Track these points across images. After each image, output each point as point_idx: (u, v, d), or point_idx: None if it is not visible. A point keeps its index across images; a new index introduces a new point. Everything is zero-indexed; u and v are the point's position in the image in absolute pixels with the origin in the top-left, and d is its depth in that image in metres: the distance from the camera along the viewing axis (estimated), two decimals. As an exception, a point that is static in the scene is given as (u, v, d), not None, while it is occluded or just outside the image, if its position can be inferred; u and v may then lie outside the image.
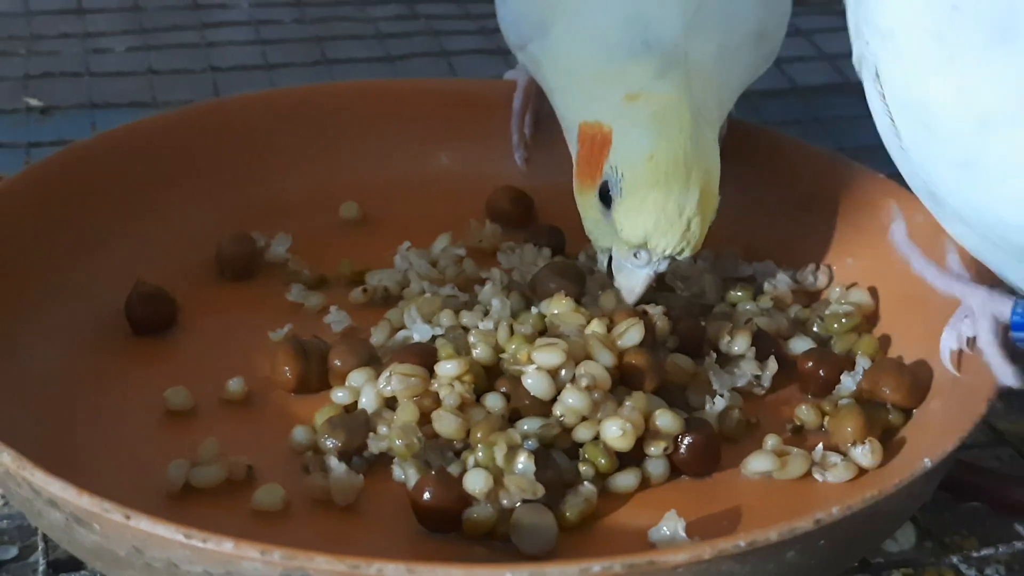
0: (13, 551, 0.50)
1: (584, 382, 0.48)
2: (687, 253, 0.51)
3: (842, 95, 0.83)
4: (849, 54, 0.86)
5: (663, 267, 0.52)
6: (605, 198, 0.52)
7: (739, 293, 0.57)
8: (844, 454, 0.49)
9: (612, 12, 0.54)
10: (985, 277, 0.50)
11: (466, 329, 0.53)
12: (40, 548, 0.47)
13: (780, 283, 0.57)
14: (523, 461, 0.46)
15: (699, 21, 0.53)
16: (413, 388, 0.49)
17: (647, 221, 0.50)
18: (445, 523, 0.45)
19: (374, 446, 0.48)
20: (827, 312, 0.56)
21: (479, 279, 0.58)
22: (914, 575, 0.50)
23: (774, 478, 0.49)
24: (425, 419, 0.48)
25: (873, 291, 0.57)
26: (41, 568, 0.46)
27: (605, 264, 0.54)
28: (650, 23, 0.53)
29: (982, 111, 0.41)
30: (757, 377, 0.53)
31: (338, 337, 0.54)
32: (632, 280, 0.52)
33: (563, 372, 0.48)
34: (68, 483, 0.40)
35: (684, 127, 0.51)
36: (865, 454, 0.48)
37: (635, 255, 0.52)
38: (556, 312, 0.52)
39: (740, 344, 0.53)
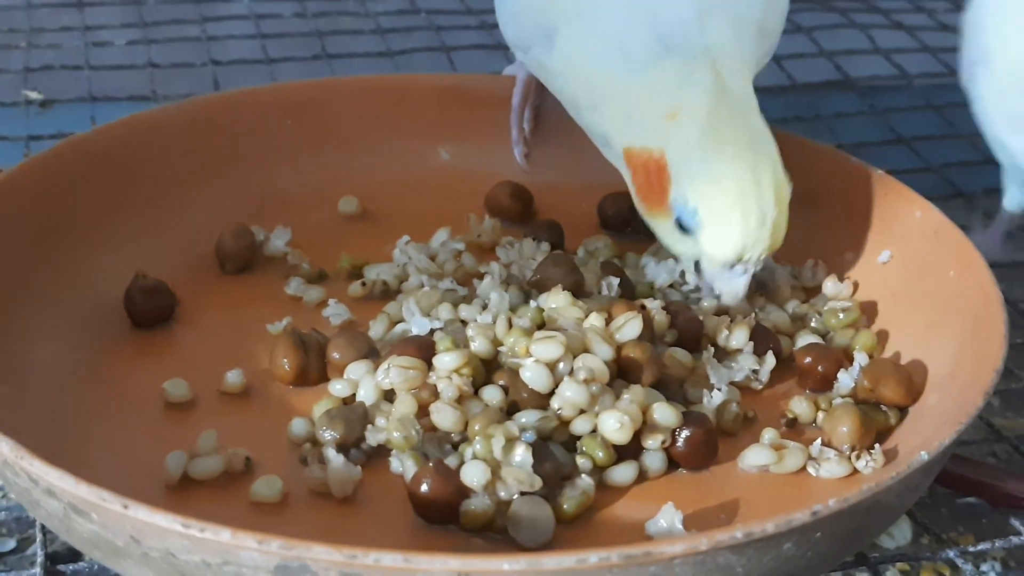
0: (11, 543, 0.50)
1: (582, 375, 0.48)
2: (778, 246, 0.51)
3: (842, 92, 0.83)
4: (848, 51, 0.87)
5: (758, 268, 0.52)
6: (683, 227, 0.51)
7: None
8: (839, 451, 0.49)
9: (618, 11, 0.53)
10: None
11: (464, 323, 0.53)
12: (38, 540, 0.47)
13: (779, 278, 0.57)
14: (521, 453, 0.46)
15: (707, 9, 0.53)
16: (411, 381, 0.49)
17: (735, 243, 0.50)
18: (443, 515, 0.45)
19: (372, 438, 0.48)
20: (825, 307, 0.56)
21: (478, 273, 0.58)
22: (911, 570, 0.50)
23: (771, 472, 0.49)
24: (423, 411, 0.49)
25: (871, 286, 0.57)
26: (39, 560, 0.46)
27: (692, 269, 0.54)
28: (660, 18, 0.52)
29: None
30: (755, 372, 0.53)
31: (337, 330, 0.55)
32: (732, 287, 0.52)
33: (561, 365, 0.49)
34: (66, 472, 0.40)
35: (740, 135, 0.50)
36: (867, 465, 0.48)
37: (730, 268, 0.52)
38: (554, 306, 0.52)
39: (738, 338, 0.53)
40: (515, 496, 0.45)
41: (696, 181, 0.50)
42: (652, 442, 0.48)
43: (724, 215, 0.50)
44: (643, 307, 0.52)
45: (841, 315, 0.55)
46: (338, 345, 0.52)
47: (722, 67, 0.52)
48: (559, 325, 0.50)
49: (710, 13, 0.52)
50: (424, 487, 0.45)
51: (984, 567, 0.50)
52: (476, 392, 0.49)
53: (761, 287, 0.57)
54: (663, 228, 0.53)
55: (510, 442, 0.46)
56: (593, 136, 0.56)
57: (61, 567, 0.47)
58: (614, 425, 0.47)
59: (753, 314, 0.55)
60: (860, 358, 0.53)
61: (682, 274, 0.56)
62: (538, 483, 0.45)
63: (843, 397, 0.52)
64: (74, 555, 0.47)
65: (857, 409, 0.49)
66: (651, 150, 0.51)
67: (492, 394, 0.49)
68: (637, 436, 0.48)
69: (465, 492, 0.45)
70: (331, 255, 0.59)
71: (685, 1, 0.53)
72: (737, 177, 0.50)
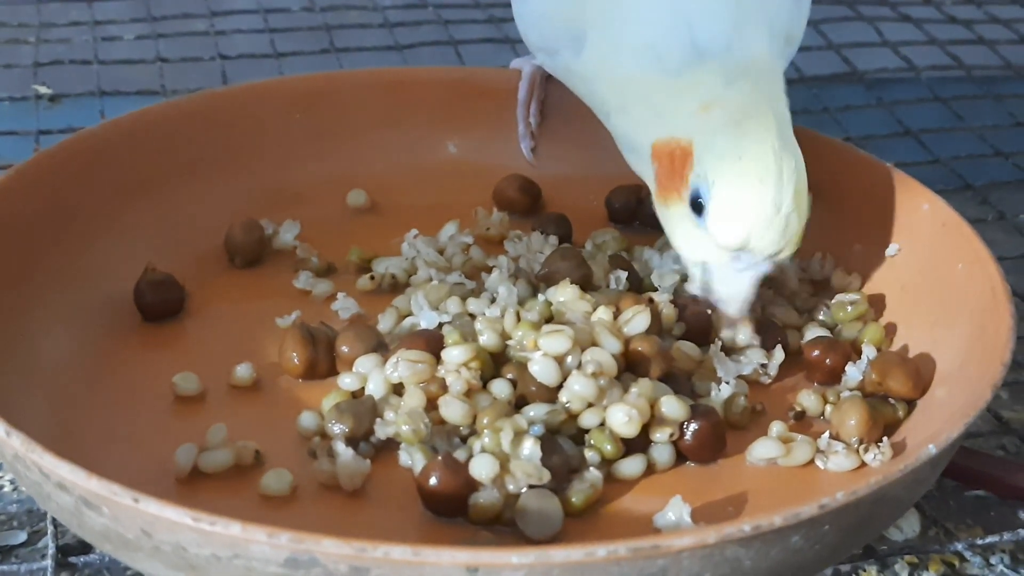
0: (23, 536, 0.50)
1: (590, 368, 0.48)
2: (787, 252, 0.50)
3: (850, 85, 0.83)
4: (856, 43, 0.86)
5: (765, 268, 0.50)
6: (696, 207, 0.50)
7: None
8: (847, 444, 0.49)
9: (653, 18, 0.52)
10: None
11: (473, 316, 0.53)
12: (49, 532, 0.47)
13: (787, 272, 0.57)
14: (529, 447, 0.46)
15: (743, 19, 0.52)
16: (420, 374, 0.49)
17: (745, 221, 0.49)
18: (451, 508, 0.46)
19: (381, 431, 0.48)
20: (833, 301, 0.56)
21: (486, 267, 0.58)
22: (919, 563, 0.50)
23: (779, 465, 0.49)
24: (432, 405, 0.49)
25: (879, 279, 0.57)
26: (50, 552, 0.47)
27: (698, 279, 0.52)
28: (696, 27, 0.51)
29: None
30: (763, 366, 0.53)
31: (346, 324, 0.55)
32: (735, 287, 0.51)
33: (569, 358, 0.49)
34: (77, 466, 0.41)
35: (769, 126, 0.49)
36: (875, 458, 0.48)
37: (736, 259, 0.50)
38: (563, 299, 0.52)
39: (743, 333, 0.53)
40: (523, 489, 0.45)
41: (718, 158, 0.49)
42: (660, 435, 0.48)
43: (737, 192, 0.49)
44: (651, 300, 0.52)
45: (849, 308, 0.55)
46: (347, 339, 0.52)
47: (759, 76, 0.51)
48: (567, 319, 0.51)
49: (745, 23, 0.52)
50: (433, 480, 0.45)
51: (993, 560, 0.50)
52: (484, 386, 0.49)
53: (768, 280, 0.57)
54: (677, 218, 0.51)
55: (518, 435, 0.46)
56: (620, 140, 0.55)
57: (72, 559, 0.47)
58: (622, 418, 0.47)
59: (758, 308, 0.55)
60: (868, 351, 0.53)
61: (683, 277, 0.56)
62: (546, 476, 0.45)
63: (851, 390, 0.52)
64: (85, 548, 0.47)
65: (865, 402, 0.50)
66: (679, 139, 0.50)
67: (500, 387, 0.49)
68: (645, 429, 0.48)
69: (474, 485, 0.45)
70: (340, 249, 0.59)
71: (721, 10, 0.52)
72: (760, 158, 0.49)
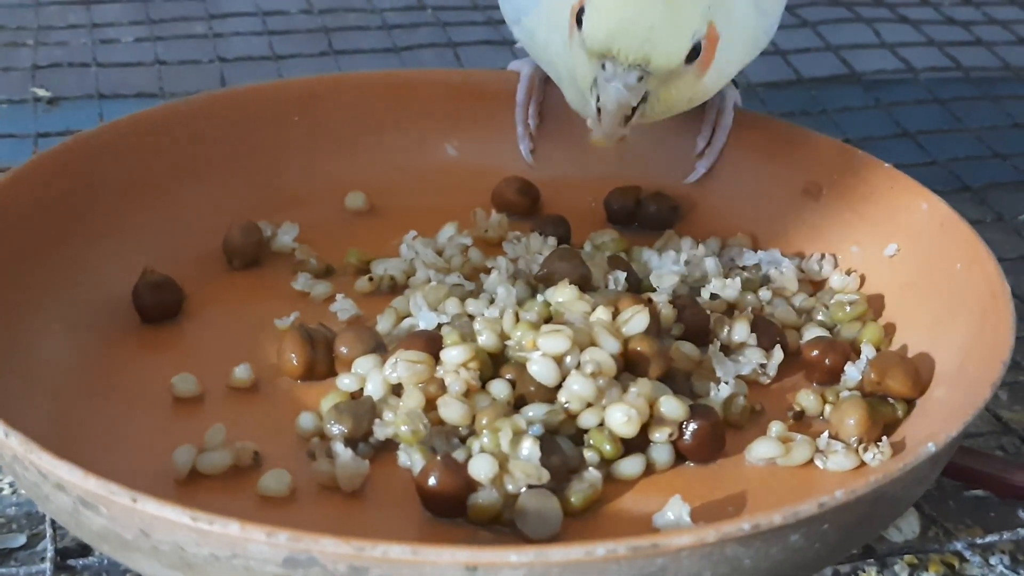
0: (21, 539, 0.50)
1: (589, 368, 0.48)
2: (656, 63, 0.51)
3: (847, 86, 0.83)
4: (854, 45, 0.87)
5: (632, 80, 0.51)
6: (580, 23, 0.52)
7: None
8: (846, 443, 0.49)
9: None
10: None
11: (472, 317, 0.53)
12: (48, 535, 0.47)
13: (786, 271, 0.57)
14: (528, 447, 0.46)
15: None
16: (419, 375, 0.49)
17: (607, 22, 0.50)
18: (451, 508, 0.45)
19: (380, 432, 0.48)
20: (832, 301, 0.56)
21: (485, 268, 0.58)
22: (919, 563, 0.50)
23: (778, 464, 0.49)
24: (431, 405, 0.49)
25: (878, 279, 0.57)
26: (49, 555, 0.46)
27: (594, 107, 0.52)
28: None
29: None
30: (763, 366, 0.53)
31: (344, 325, 0.55)
32: (604, 98, 0.51)
33: (568, 359, 0.49)
34: (75, 466, 0.41)
35: None
36: (875, 457, 0.48)
37: (603, 67, 0.51)
38: (561, 300, 0.52)
39: (739, 332, 0.53)
40: (522, 489, 0.45)
41: None
42: (659, 435, 0.48)
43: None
44: (650, 301, 0.52)
45: (848, 308, 0.55)
46: (346, 340, 0.52)
47: None
48: (566, 319, 0.51)
49: None
50: (432, 480, 0.45)
51: (992, 560, 0.50)
52: (483, 386, 0.49)
53: (766, 280, 0.57)
54: (574, 46, 0.52)
55: (517, 435, 0.46)
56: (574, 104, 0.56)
57: (71, 562, 0.47)
58: (621, 418, 0.47)
59: (750, 308, 0.55)
60: (867, 351, 0.53)
61: (683, 278, 0.56)
62: (545, 476, 0.45)
63: (850, 390, 0.52)
64: (84, 550, 0.47)
65: (864, 402, 0.50)
66: None
67: (499, 388, 0.49)
68: (644, 429, 0.48)
69: (473, 485, 0.45)
70: (338, 250, 0.59)
71: None
72: None
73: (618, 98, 0.51)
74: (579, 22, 0.52)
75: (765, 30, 0.57)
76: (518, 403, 0.49)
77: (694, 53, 0.52)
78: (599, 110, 0.51)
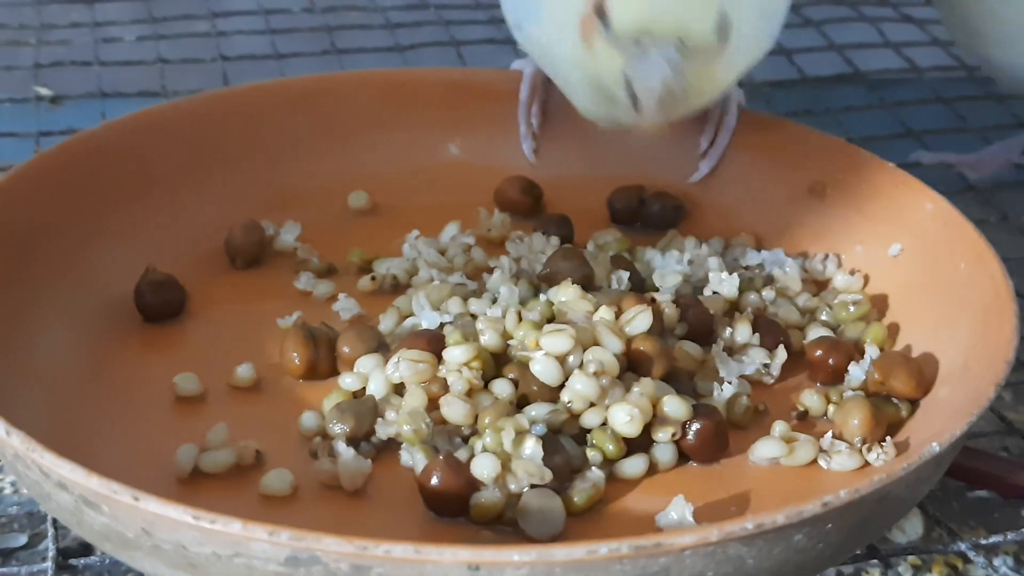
0: (23, 539, 0.50)
1: (592, 368, 0.48)
2: (697, 38, 0.49)
3: (852, 85, 0.83)
4: (858, 44, 0.87)
5: (671, 55, 0.49)
6: (601, 13, 0.50)
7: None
8: (850, 443, 0.49)
9: None
10: None
11: (474, 316, 0.53)
12: (50, 535, 0.47)
13: (790, 271, 0.57)
14: (531, 446, 0.46)
15: None
16: (421, 374, 0.49)
17: (639, 1, 0.49)
18: (453, 508, 0.45)
19: (382, 431, 0.48)
20: (836, 301, 0.56)
21: (487, 267, 0.58)
22: (922, 564, 0.50)
23: (782, 464, 0.49)
24: (433, 405, 0.49)
25: (882, 279, 0.57)
26: (51, 555, 0.46)
27: (628, 95, 0.50)
28: None
29: None
30: (766, 366, 0.53)
31: (347, 324, 0.55)
32: (647, 74, 0.49)
33: (571, 358, 0.48)
34: (77, 465, 0.40)
35: None
36: (878, 457, 0.48)
37: (642, 50, 0.49)
38: (564, 299, 0.52)
39: (741, 334, 0.53)
40: (525, 489, 0.45)
41: None
42: (662, 435, 0.48)
43: None
44: (653, 300, 0.52)
45: (852, 308, 0.55)
46: (348, 339, 0.52)
47: None
48: (569, 318, 0.50)
49: None
50: (434, 480, 0.45)
51: (996, 561, 0.50)
52: (486, 385, 0.49)
53: (769, 280, 0.57)
54: (596, 42, 0.51)
55: (520, 435, 0.46)
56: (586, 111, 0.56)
57: (73, 562, 0.47)
58: (624, 418, 0.47)
59: (751, 308, 0.55)
60: (871, 351, 0.52)
61: (686, 278, 0.56)
62: (548, 476, 0.45)
63: (854, 390, 0.52)
64: (85, 550, 0.47)
65: (868, 402, 0.49)
66: None
67: (502, 387, 0.49)
68: (647, 429, 0.48)
69: (475, 485, 0.45)
70: (341, 250, 0.59)
71: None
72: None
73: (659, 72, 0.49)
74: (600, 16, 0.50)
75: (769, 34, 0.56)
76: (521, 403, 0.49)
77: (723, 34, 0.51)
78: (635, 98, 0.50)
